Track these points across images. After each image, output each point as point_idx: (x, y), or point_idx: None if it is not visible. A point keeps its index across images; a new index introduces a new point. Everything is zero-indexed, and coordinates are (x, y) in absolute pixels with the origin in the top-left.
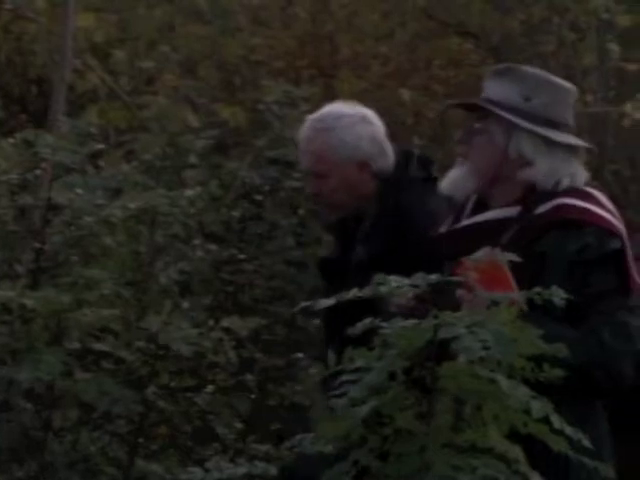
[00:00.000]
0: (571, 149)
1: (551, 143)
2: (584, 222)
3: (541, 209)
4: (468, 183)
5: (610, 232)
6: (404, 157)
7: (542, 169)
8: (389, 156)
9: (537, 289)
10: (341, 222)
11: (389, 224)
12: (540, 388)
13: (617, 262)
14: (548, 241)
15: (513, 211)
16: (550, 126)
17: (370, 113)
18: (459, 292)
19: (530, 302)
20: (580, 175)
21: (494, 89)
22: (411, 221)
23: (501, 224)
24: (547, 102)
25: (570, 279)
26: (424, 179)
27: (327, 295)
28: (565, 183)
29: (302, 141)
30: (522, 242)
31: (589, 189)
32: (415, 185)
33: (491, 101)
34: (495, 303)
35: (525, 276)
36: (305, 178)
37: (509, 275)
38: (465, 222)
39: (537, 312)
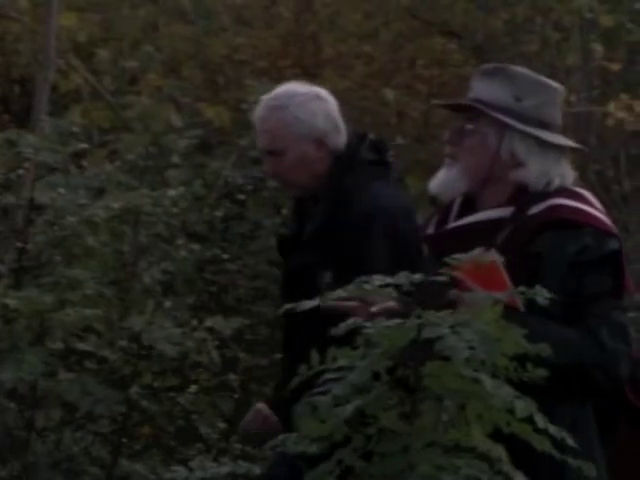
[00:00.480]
0: (561, 149)
1: (543, 144)
2: (580, 222)
3: (534, 210)
4: (458, 184)
5: (608, 232)
6: (357, 138)
7: (534, 170)
8: (343, 134)
9: (521, 288)
10: (299, 201)
11: (330, 203)
12: (535, 389)
13: (614, 263)
14: (544, 242)
15: (506, 212)
16: (541, 127)
17: (323, 91)
18: (453, 292)
19: (529, 303)
20: (569, 175)
21: (484, 89)
22: (349, 202)
23: (494, 225)
24: (538, 103)
25: (568, 280)
26: (374, 162)
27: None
28: (556, 183)
29: (257, 121)
30: (516, 243)
31: (579, 189)
32: (362, 167)
33: (482, 101)
34: (496, 302)
35: (521, 277)
36: (262, 158)
37: (505, 275)
38: (456, 223)
39: (538, 313)
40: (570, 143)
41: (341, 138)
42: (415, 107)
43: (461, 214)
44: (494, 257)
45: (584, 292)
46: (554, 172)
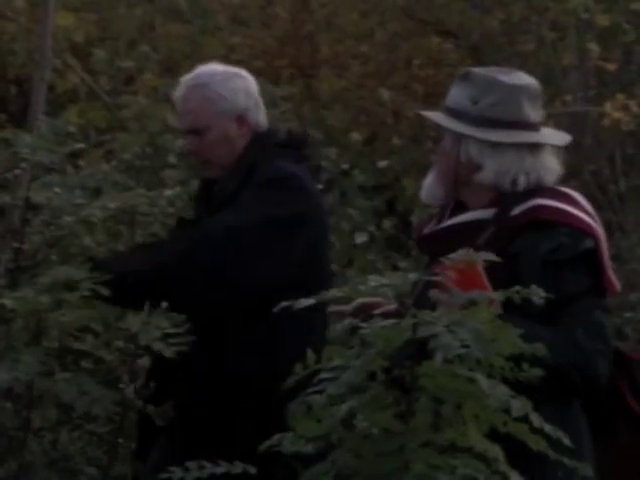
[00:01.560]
0: (527, 147)
1: (497, 145)
2: (558, 222)
3: (516, 210)
4: (437, 190)
5: (584, 231)
6: (279, 128)
7: (491, 171)
8: (263, 113)
9: (516, 288)
10: (204, 185)
11: (239, 172)
12: (518, 388)
13: (590, 262)
14: (522, 242)
15: (489, 213)
16: (498, 126)
17: (243, 71)
18: (433, 293)
19: (506, 303)
20: (545, 172)
21: (451, 95)
22: (250, 180)
23: (477, 226)
24: (494, 102)
25: (544, 279)
26: (285, 146)
27: None
28: (522, 180)
29: (178, 102)
30: (497, 243)
31: (566, 189)
32: (277, 148)
33: (447, 108)
34: (473, 303)
35: (501, 277)
36: (184, 139)
37: (483, 275)
38: (444, 224)
39: (514, 313)
40: (533, 139)
41: (262, 116)
42: (411, 107)
43: (452, 215)
44: (474, 259)
45: (561, 291)
46: (515, 170)
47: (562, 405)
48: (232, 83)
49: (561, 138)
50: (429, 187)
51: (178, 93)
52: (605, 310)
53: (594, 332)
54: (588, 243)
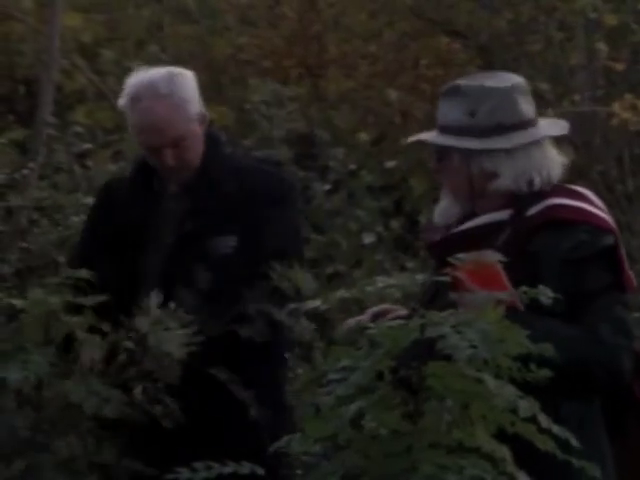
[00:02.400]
0: (531, 145)
1: (507, 150)
2: (576, 220)
3: (532, 210)
4: (452, 209)
5: (603, 228)
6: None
7: (508, 176)
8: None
9: (523, 288)
10: (136, 185)
11: (214, 177)
12: (539, 388)
13: (611, 259)
14: (540, 241)
15: (504, 214)
16: (502, 132)
17: (176, 67)
18: (454, 294)
19: (530, 303)
20: (552, 167)
21: (444, 112)
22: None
23: (494, 228)
24: (490, 109)
25: (564, 277)
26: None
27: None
28: (537, 180)
29: (144, 120)
30: (516, 244)
31: (578, 188)
32: (223, 143)
33: (442, 127)
34: (497, 302)
35: (520, 278)
36: (160, 155)
37: (503, 274)
38: (457, 228)
39: (537, 311)
40: (535, 136)
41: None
42: (419, 107)
43: (463, 220)
44: (494, 258)
45: (582, 289)
46: (530, 170)
47: (584, 404)
48: (187, 83)
49: (559, 127)
50: (444, 209)
51: (140, 111)
52: (626, 306)
53: (617, 327)
54: (608, 240)
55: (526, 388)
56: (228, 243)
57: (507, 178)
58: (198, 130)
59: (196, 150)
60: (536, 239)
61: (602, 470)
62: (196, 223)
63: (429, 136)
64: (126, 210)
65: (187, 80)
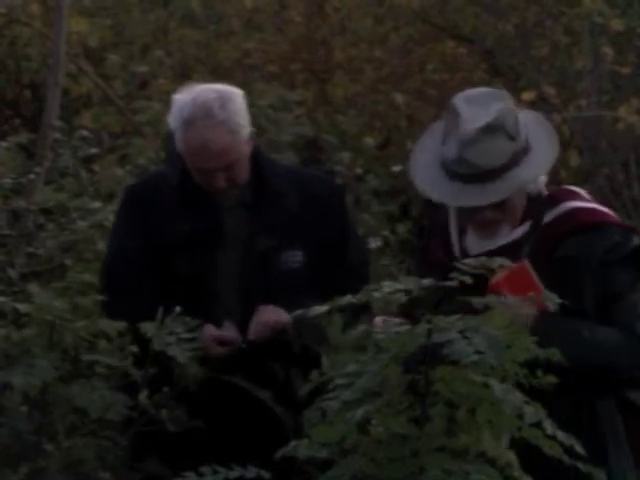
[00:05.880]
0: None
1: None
2: (604, 223)
3: (549, 217)
4: (486, 238)
5: (631, 230)
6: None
7: (542, 180)
8: None
9: (531, 294)
10: (189, 194)
11: (276, 190)
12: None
13: (638, 258)
14: (570, 247)
15: (526, 226)
16: (529, 142)
17: (228, 86)
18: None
19: (562, 305)
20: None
21: (487, 154)
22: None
23: (517, 244)
24: (514, 121)
25: (600, 279)
26: None
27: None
28: (540, 183)
29: (203, 147)
30: (542, 252)
31: (572, 187)
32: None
33: (491, 171)
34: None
35: (548, 284)
36: (212, 177)
37: (536, 277)
38: (493, 245)
39: (570, 314)
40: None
41: None
42: (425, 111)
43: (460, 234)
44: (523, 262)
45: (616, 289)
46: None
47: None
48: (240, 105)
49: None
50: (476, 241)
51: (189, 132)
52: None
53: None
54: (636, 240)
55: (562, 389)
56: (295, 258)
57: (541, 182)
58: (248, 150)
59: (245, 168)
60: (565, 245)
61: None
62: (268, 239)
63: (483, 196)
64: (181, 216)
65: (239, 102)
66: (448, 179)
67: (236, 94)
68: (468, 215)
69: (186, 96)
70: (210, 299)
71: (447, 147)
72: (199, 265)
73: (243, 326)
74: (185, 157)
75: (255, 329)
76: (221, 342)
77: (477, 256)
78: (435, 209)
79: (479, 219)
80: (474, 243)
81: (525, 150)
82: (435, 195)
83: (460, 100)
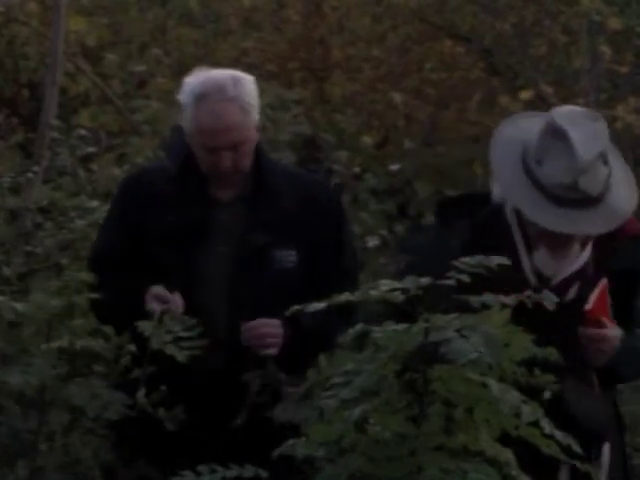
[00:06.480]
0: None
1: None
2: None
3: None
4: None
5: None
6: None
7: None
8: None
9: (528, 293)
10: (182, 184)
11: (273, 188)
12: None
13: None
14: (625, 257)
15: (589, 245)
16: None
17: (240, 72)
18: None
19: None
20: None
21: (595, 181)
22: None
23: (588, 263)
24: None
25: None
26: None
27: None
28: None
29: (210, 119)
30: (600, 267)
31: None
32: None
33: (600, 194)
34: None
35: (614, 294)
36: (218, 156)
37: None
38: (552, 272)
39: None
40: None
41: None
42: (423, 110)
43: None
44: (604, 281)
45: None
46: None
47: None
48: (251, 88)
49: None
50: (548, 259)
51: (201, 107)
52: None
53: None
54: None
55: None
56: (289, 258)
57: None
58: (255, 137)
59: (250, 157)
60: (620, 256)
61: None
62: (264, 235)
63: (597, 223)
64: (173, 211)
65: (251, 85)
66: (554, 205)
67: (248, 79)
68: (553, 238)
69: (197, 77)
70: (196, 293)
71: (551, 170)
72: (187, 258)
73: (231, 322)
74: (194, 136)
75: (248, 335)
76: (161, 300)
77: (564, 280)
78: (488, 224)
79: (564, 241)
80: (547, 262)
81: (610, 173)
82: (544, 221)
83: (564, 121)
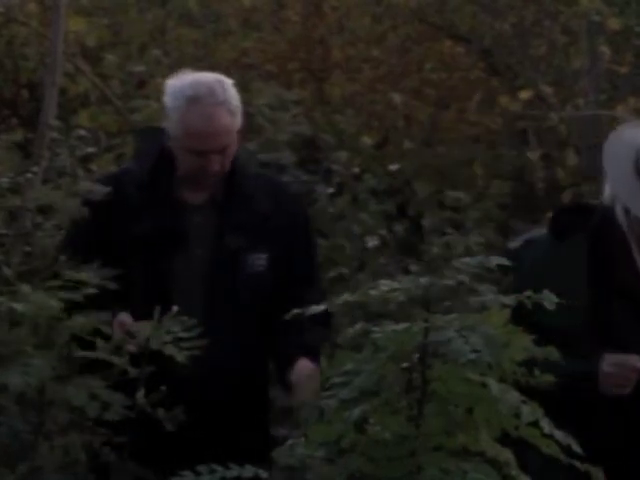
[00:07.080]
0: None
1: None
2: None
3: None
4: None
5: None
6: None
7: None
8: None
9: (528, 292)
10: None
11: (247, 192)
12: None
13: None
14: None
15: None
16: None
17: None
18: None
19: None
20: None
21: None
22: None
23: None
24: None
25: None
26: None
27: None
28: None
29: (206, 125)
30: None
31: None
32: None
33: None
34: None
35: None
36: (207, 159)
37: None
38: None
39: None
40: None
41: None
42: (423, 111)
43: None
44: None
45: None
46: None
47: None
48: (235, 93)
49: None
50: None
51: (192, 110)
52: None
53: None
54: None
55: None
56: (260, 261)
57: None
58: (237, 139)
59: (231, 158)
60: None
61: None
62: (236, 239)
63: None
64: (145, 215)
65: (233, 89)
66: None
67: (230, 82)
68: None
69: (182, 79)
70: (167, 298)
71: None
72: (161, 262)
73: (206, 327)
74: (180, 139)
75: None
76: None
77: None
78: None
79: None
80: None
81: None
82: None
83: None
